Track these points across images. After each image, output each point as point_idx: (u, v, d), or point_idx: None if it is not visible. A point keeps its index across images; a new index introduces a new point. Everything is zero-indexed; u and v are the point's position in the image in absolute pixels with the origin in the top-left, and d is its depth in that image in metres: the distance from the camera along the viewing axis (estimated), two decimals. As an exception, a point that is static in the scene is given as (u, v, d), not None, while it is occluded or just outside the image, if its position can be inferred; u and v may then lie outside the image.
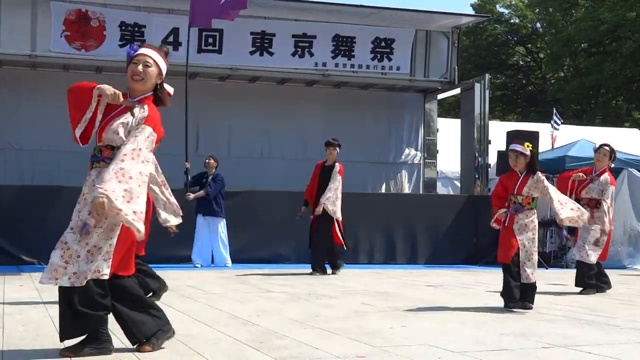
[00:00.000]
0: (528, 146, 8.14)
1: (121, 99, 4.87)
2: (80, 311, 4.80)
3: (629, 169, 16.27)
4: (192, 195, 13.80)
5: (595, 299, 9.35)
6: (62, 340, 4.93)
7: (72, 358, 4.83)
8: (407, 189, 18.92)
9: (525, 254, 8.03)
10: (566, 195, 9.21)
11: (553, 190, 8.24)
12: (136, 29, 15.60)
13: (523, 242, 8.05)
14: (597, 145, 10.72)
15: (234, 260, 14.29)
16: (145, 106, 5.05)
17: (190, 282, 10.63)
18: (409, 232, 16.09)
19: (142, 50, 5.11)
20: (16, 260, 13.33)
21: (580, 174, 10.41)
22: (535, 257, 8.10)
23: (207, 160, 14.31)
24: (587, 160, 15.64)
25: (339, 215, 12.62)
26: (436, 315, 7.31)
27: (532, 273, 7.98)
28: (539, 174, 8.13)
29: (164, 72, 5.19)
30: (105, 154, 4.96)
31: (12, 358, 4.88)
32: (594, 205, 10.18)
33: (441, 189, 20.24)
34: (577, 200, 9.98)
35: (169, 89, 5.27)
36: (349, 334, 5.95)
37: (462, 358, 5.01)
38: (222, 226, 14.23)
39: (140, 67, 5.02)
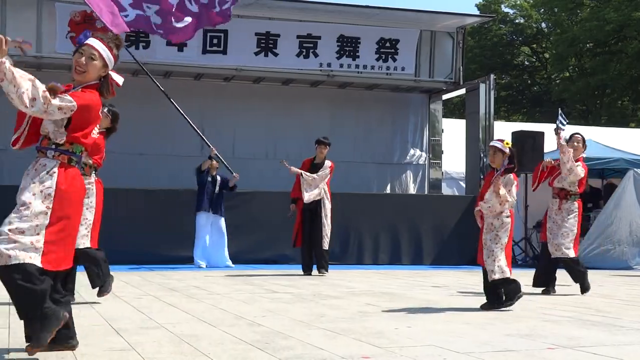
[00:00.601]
0: (507, 144, 8.15)
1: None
2: None
3: (635, 169, 16.24)
4: (235, 177, 14.05)
5: (600, 300, 9.34)
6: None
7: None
8: (412, 190, 18.93)
9: (486, 252, 8.05)
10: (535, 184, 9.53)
11: (510, 193, 8.14)
12: (140, 30, 15.60)
13: (485, 241, 8.08)
14: (569, 135, 10.62)
15: (239, 261, 14.30)
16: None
17: (195, 283, 10.64)
18: (414, 233, 16.10)
19: (90, 41, 5.02)
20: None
21: (550, 159, 10.38)
22: (498, 254, 8.01)
23: (212, 162, 14.30)
24: (592, 160, 15.64)
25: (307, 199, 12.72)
26: (441, 316, 7.31)
27: (493, 271, 7.95)
28: (511, 175, 8.12)
29: (111, 64, 5.11)
30: (44, 144, 4.91)
31: (18, 358, 4.88)
32: (563, 195, 10.12)
33: (446, 190, 20.21)
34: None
35: (118, 79, 5.18)
36: (354, 334, 5.95)
37: (468, 359, 5.00)
38: (224, 225, 14.27)
39: (83, 60, 4.95)
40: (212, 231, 14.22)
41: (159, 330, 6.10)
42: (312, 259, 12.89)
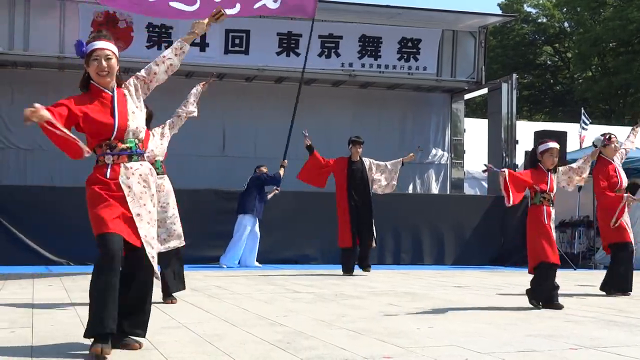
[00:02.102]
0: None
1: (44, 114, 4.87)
2: None
3: (656, 168, 16.13)
4: (271, 194, 14.34)
5: (623, 300, 9.28)
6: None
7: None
8: (434, 190, 18.88)
9: None
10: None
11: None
12: (163, 30, 15.68)
13: None
14: (607, 135, 10.41)
15: (260, 261, 14.33)
16: (130, 81, 5.37)
17: (217, 282, 10.67)
18: (436, 233, 16.07)
19: (98, 45, 5.19)
20: (45, 260, 13.45)
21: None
22: None
23: (263, 169, 14.36)
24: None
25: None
26: (463, 316, 7.29)
27: None
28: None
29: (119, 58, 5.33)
30: (141, 148, 5.27)
31: (41, 357, 4.91)
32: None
33: (468, 190, 20.16)
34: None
35: None
36: (376, 334, 5.94)
37: (489, 359, 4.99)
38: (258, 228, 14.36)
39: (104, 63, 5.14)
40: (254, 232, 14.28)
41: (180, 329, 6.12)
42: (355, 259, 12.84)
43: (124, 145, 5.14)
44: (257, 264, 14.32)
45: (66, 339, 5.56)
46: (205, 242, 14.21)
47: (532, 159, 8.38)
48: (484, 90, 19.05)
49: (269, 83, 17.71)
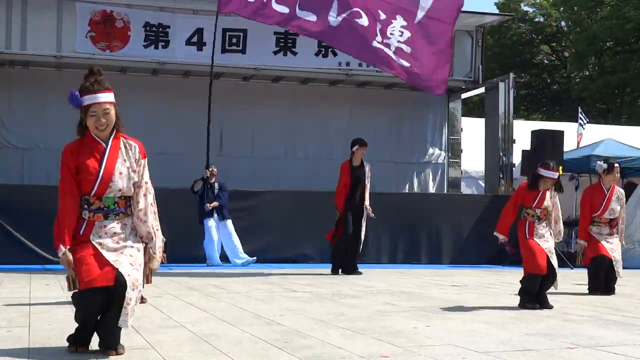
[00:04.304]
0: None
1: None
2: None
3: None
4: (210, 206, 13.96)
5: (620, 299, 9.29)
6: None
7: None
8: (431, 189, 18.87)
9: None
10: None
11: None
12: (160, 29, 15.66)
13: None
14: (608, 165, 10.49)
15: (257, 260, 14.31)
16: (132, 142, 5.20)
17: (214, 282, 10.67)
18: (433, 232, 16.06)
19: (96, 100, 5.04)
20: (42, 260, 13.43)
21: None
22: None
23: (213, 169, 14.22)
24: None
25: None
26: (460, 315, 7.30)
27: None
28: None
29: None
30: (122, 206, 5.11)
31: (38, 356, 4.91)
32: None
33: (465, 189, 20.17)
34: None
35: None
36: (373, 333, 5.95)
37: (487, 358, 4.99)
38: (232, 226, 14.28)
39: (102, 119, 5.03)
40: (221, 234, 14.26)
41: (178, 329, 6.12)
42: (343, 260, 12.83)
43: (100, 204, 5.03)
44: (243, 256, 14.21)
45: (63, 338, 5.54)
46: (201, 241, 14.20)
47: (533, 177, 8.59)
48: (481, 90, 19.03)
49: (266, 82, 17.69)
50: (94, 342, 5.07)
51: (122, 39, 15.39)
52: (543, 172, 8.39)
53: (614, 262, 9.99)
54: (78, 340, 5.08)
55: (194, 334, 5.86)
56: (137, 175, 5.12)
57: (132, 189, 5.12)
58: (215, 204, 14.10)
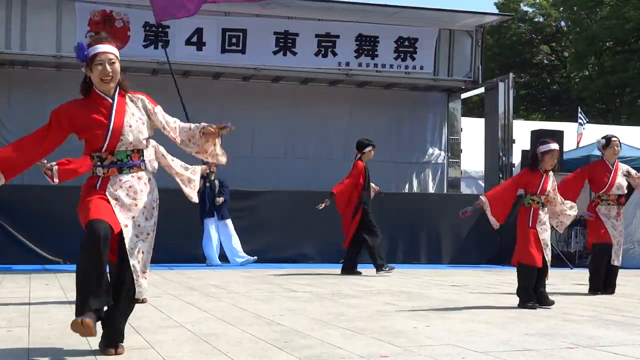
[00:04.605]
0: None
1: None
2: None
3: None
4: (220, 200, 13.98)
5: (620, 299, 9.29)
6: None
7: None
8: (430, 189, 18.88)
9: None
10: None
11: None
12: (160, 29, 15.65)
13: None
14: (607, 138, 10.43)
15: (257, 260, 14.30)
16: (138, 95, 5.25)
17: (214, 282, 10.66)
18: (433, 232, 16.06)
19: (101, 49, 5.03)
20: (41, 259, 13.44)
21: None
22: None
23: (212, 166, 14.21)
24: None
25: None
26: (460, 315, 7.29)
27: None
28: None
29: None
30: (135, 159, 5.11)
31: (38, 356, 4.91)
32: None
33: (465, 189, 20.16)
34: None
35: None
36: (373, 333, 5.95)
37: (487, 358, 4.99)
38: (232, 226, 14.27)
39: (108, 67, 5.00)
40: (220, 234, 14.25)
41: (178, 329, 6.12)
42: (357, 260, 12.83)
43: (113, 158, 5.03)
44: (242, 254, 14.20)
45: (63, 338, 5.55)
46: (200, 241, 14.20)
47: (532, 158, 8.41)
48: (481, 90, 19.03)
49: (265, 82, 17.70)
50: (93, 342, 5.07)
51: (122, 39, 15.36)
52: (542, 147, 8.24)
53: (613, 250, 9.87)
54: (81, 307, 4.79)
55: (194, 334, 5.86)
56: (157, 122, 5.26)
57: (144, 142, 5.15)
58: (222, 199, 14.13)
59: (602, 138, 10.30)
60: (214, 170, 14.10)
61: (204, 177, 14.00)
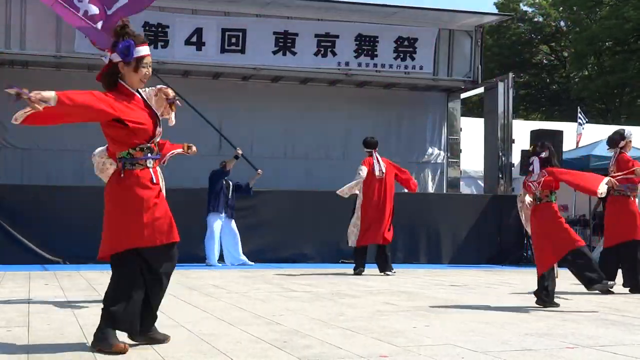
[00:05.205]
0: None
1: None
2: None
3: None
4: (260, 171, 14.40)
5: (620, 299, 9.29)
6: None
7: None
8: (430, 189, 18.88)
9: None
10: None
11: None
12: (160, 29, 15.65)
13: None
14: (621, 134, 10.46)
15: (257, 260, 14.31)
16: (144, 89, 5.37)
17: (214, 282, 10.66)
18: (433, 232, 16.07)
19: (147, 52, 5.18)
20: (41, 259, 13.44)
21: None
22: None
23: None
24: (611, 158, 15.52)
25: None
26: (460, 315, 7.29)
27: None
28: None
29: None
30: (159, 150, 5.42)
31: (37, 356, 4.91)
32: None
33: (464, 189, 20.17)
34: None
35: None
36: (372, 333, 5.95)
37: (486, 358, 4.99)
38: (235, 226, 14.31)
39: (150, 71, 5.19)
40: (224, 232, 14.26)
41: (177, 329, 6.12)
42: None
43: (156, 149, 5.23)
44: (243, 258, 14.22)
45: (62, 338, 5.55)
46: (200, 241, 14.20)
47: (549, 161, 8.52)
48: (481, 90, 19.04)
49: (265, 82, 17.70)
50: (90, 339, 5.07)
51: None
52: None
53: None
54: (122, 325, 5.13)
55: (193, 333, 5.86)
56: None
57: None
58: (261, 172, 14.41)
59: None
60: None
61: (237, 157, 14.05)
